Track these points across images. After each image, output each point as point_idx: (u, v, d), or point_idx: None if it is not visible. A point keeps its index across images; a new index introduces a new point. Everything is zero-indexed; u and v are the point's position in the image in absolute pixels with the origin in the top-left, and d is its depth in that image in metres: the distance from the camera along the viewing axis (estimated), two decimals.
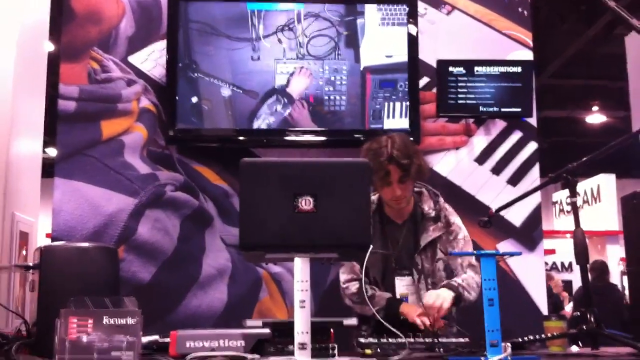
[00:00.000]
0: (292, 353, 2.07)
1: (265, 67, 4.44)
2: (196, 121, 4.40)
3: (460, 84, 4.55)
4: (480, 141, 4.67)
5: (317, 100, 4.45)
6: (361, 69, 4.48)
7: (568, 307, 10.60)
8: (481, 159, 4.65)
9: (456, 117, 4.64)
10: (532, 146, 4.69)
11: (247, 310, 4.33)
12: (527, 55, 4.76)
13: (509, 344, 2.22)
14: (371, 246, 2.26)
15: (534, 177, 4.64)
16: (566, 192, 2.99)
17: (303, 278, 2.11)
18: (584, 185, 13.24)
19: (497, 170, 4.64)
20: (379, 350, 2.39)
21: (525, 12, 4.81)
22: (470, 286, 3.08)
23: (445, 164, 4.60)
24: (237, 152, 4.27)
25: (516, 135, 4.69)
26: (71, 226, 4.29)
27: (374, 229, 3.21)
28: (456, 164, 4.60)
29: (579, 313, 2.58)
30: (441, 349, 2.44)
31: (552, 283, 10.61)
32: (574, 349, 2.64)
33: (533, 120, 4.68)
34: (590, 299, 2.64)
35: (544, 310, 4.49)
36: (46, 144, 5.19)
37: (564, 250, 12.12)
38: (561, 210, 14.36)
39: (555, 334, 2.63)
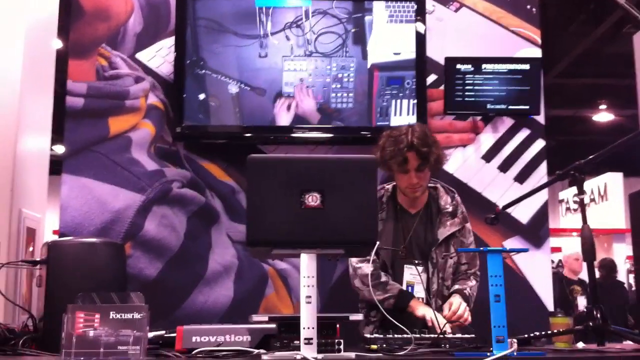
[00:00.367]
0: (298, 348, 2.07)
1: (273, 64, 4.44)
2: (203, 118, 4.41)
3: (467, 82, 4.54)
4: (487, 139, 4.67)
5: (325, 98, 4.45)
6: (369, 66, 4.48)
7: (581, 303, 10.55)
8: (488, 156, 4.64)
9: (463, 114, 4.63)
10: (539, 144, 4.68)
11: (253, 307, 4.34)
12: (536, 52, 4.74)
13: (514, 340, 2.22)
14: (378, 242, 2.26)
15: (541, 174, 4.64)
16: (573, 190, 3.00)
17: (309, 274, 2.12)
18: (591, 184, 13.19)
19: (504, 167, 4.64)
20: (384, 345, 2.39)
21: (534, 10, 4.80)
22: (473, 296, 3.20)
23: (452, 161, 4.59)
24: (244, 149, 4.23)
25: (524, 133, 4.68)
26: (78, 222, 4.30)
27: (387, 217, 3.23)
28: (463, 161, 4.59)
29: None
30: (447, 345, 2.44)
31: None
32: (580, 345, 2.64)
33: (541, 118, 4.67)
34: (597, 295, 2.64)
35: (550, 307, 4.48)
36: (53, 141, 5.19)
37: (571, 249, 12.08)
38: (567, 209, 14.31)
39: (561, 330, 2.63)
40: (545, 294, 4.53)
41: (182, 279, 4.33)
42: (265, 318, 2.29)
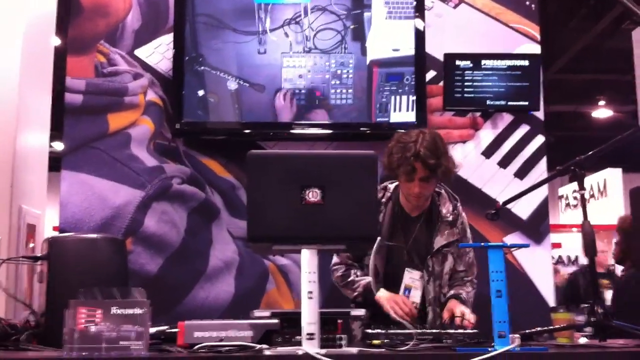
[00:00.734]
0: (300, 343, 2.08)
1: (272, 60, 4.44)
2: (202, 114, 4.41)
3: (467, 78, 4.54)
4: (487, 135, 4.67)
5: (324, 94, 4.45)
6: (368, 62, 4.48)
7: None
8: (488, 152, 4.64)
9: (463, 110, 4.63)
10: (539, 140, 4.68)
11: (254, 303, 4.34)
12: (535, 48, 4.74)
13: (516, 335, 2.22)
14: (379, 238, 2.27)
15: (541, 170, 4.64)
16: (572, 186, 3.01)
17: (311, 269, 2.12)
18: (591, 180, 13.17)
19: (504, 163, 4.64)
20: (386, 340, 2.39)
21: (533, 6, 4.80)
22: (470, 302, 3.18)
23: None
24: (243, 145, 4.26)
25: (523, 129, 4.69)
26: (78, 219, 4.30)
27: (384, 219, 3.20)
28: (463, 157, 4.58)
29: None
30: (449, 340, 2.44)
31: (559, 278, 10.58)
32: (582, 340, 2.64)
33: (540, 114, 4.68)
34: (597, 290, 2.64)
35: (551, 302, 4.50)
36: (53, 137, 5.19)
37: (571, 244, 12.09)
38: (567, 205, 14.31)
39: (562, 325, 2.63)
40: (546, 289, 4.53)
41: (183, 275, 4.34)
42: (268, 313, 2.29)
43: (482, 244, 2.37)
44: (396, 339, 2.39)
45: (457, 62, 4.55)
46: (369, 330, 2.48)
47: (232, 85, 4.42)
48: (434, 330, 2.51)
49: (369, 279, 3.14)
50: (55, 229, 5.07)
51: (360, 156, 2.25)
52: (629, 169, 13.24)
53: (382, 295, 3.05)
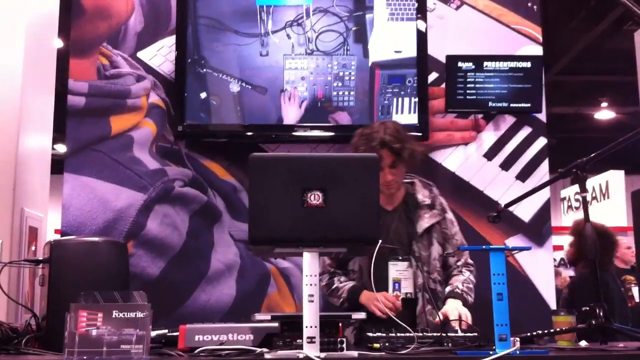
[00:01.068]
0: (300, 347, 2.07)
1: (274, 62, 4.44)
2: (205, 117, 4.41)
3: (469, 80, 4.54)
4: (489, 137, 4.67)
5: (326, 96, 4.45)
6: (370, 64, 4.48)
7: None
8: (490, 154, 4.64)
9: (465, 112, 4.63)
10: (541, 142, 4.68)
11: (256, 306, 4.34)
12: (537, 50, 4.74)
13: (517, 338, 2.21)
14: (380, 241, 2.26)
15: (543, 172, 4.63)
16: (575, 188, 3.00)
17: (312, 272, 2.12)
18: (593, 182, 13.17)
19: (506, 165, 4.63)
20: (387, 344, 2.39)
21: (535, 7, 4.80)
22: (470, 290, 3.17)
23: (454, 159, 4.59)
24: (245, 148, 4.26)
25: (525, 131, 4.68)
26: (80, 222, 4.31)
27: None
28: (465, 159, 4.59)
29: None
30: (450, 343, 2.44)
31: (560, 280, 10.58)
32: (583, 343, 2.64)
33: (542, 116, 4.67)
34: (599, 293, 2.64)
35: (553, 305, 4.48)
36: (55, 140, 5.20)
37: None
38: (569, 207, 14.30)
39: (563, 328, 2.63)
40: (548, 292, 4.52)
41: (184, 278, 4.34)
42: (268, 317, 2.29)
43: (484, 246, 2.36)
44: (397, 342, 2.39)
45: (459, 64, 4.54)
46: (370, 334, 2.48)
47: (234, 87, 4.42)
48: (435, 334, 2.51)
49: (352, 283, 3.15)
50: (57, 231, 5.07)
51: (362, 158, 2.26)
52: (632, 171, 13.24)
53: (364, 297, 3.07)
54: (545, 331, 2.62)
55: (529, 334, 2.56)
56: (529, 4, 4.80)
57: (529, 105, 4.57)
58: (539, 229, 4.56)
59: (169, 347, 2.27)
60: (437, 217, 3.24)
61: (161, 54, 4.58)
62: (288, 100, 4.41)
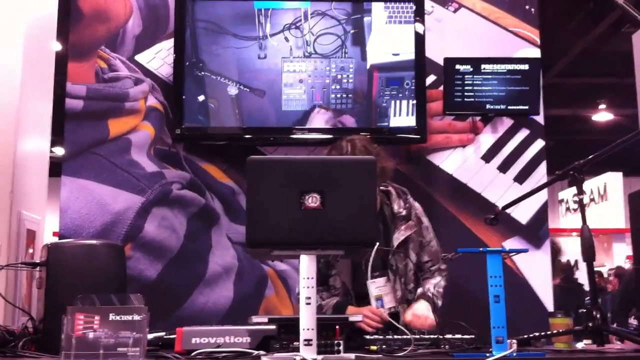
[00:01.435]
0: (297, 349, 2.07)
1: (272, 65, 4.45)
2: (203, 119, 4.41)
3: (467, 82, 4.54)
4: (487, 139, 4.67)
5: (324, 99, 4.45)
6: (368, 67, 4.48)
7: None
8: (488, 156, 4.64)
9: (463, 115, 4.63)
10: (539, 144, 4.68)
11: (253, 308, 4.34)
12: (534, 52, 4.74)
13: (514, 341, 2.22)
14: (377, 244, 2.26)
15: (540, 174, 4.64)
16: (572, 190, 3.00)
17: (309, 275, 2.12)
18: (591, 184, 13.21)
19: (503, 168, 4.64)
20: (384, 346, 2.39)
21: (532, 10, 4.80)
22: (440, 293, 3.16)
23: (451, 161, 4.59)
24: (243, 150, 4.26)
25: (523, 133, 4.69)
26: (78, 224, 4.31)
27: None
28: (463, 161, 4.59)
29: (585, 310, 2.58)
30: (446, 346, 2.44)
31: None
32: (580, 345, 2.64)
33: (540, 118, 4.68)
34: (596, 295, 2.64)
35: (550, 307, 4.49)
36: (53, 143, 5.20)
37: (570, 249, 12.08)
38: (567, 209, 14.33)
39: (560, 330, 2.63)
40: (545, 294, 4.52)
41: (182, 281, 4.34)
42: (265, 319, 2.29)
43: (481, 249, 2.37)
44: (394, 345, 2.40)
45: (457, 67, 4.55)
46: (367, 336, 2.49)
47: (233, 90, 4.42)
48: (432, 336, 2.51)
49: (335, 299, 3.13)
50: (55, 234, 5.07)
51: (360, 161, 2.26)
52: (630, 173, 13.26)
53: (351, 313, 3.05)
54: (542, 333, 2.62)
55: (525, 336, 2.56)
56: (527, 7, 4.80)
57: (526, 107, 4.57)
58: (536, 231, 4.56)
59: (166, 350, 2.27)
60: (412, 229, 3.21)
61: (159, 57, 4.58)
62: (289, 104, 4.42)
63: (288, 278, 4.40)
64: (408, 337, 2.41)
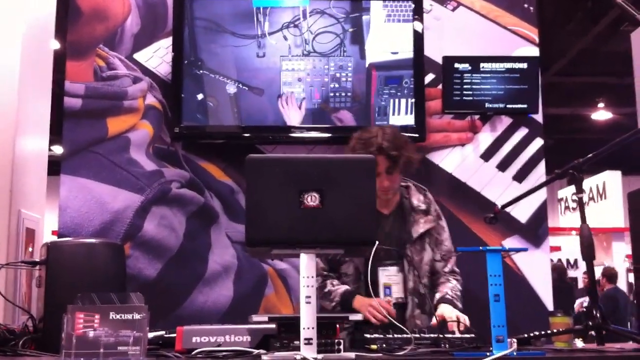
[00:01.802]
0: (297, 348, 2.07)
1: (271, 64, 4.45)
2: (202, 118, 4.41)
3: (465, 81, 4.54)
4: (485, 138, 4.67)
5: (323, 97, 4.45)
6: (366, 65, 4.48)
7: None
8: (487, 155, 4.65)
9: (462, 113, 4.63)
10: (538, 143, 4.68)
11: (253, 307, 4.34)
12: (533, 51, 4.75)
13: (514, 340, 2.22)
14: (377, 242, 2.26)
15: (539, 173, 4.64)
16: (571, 189, 3.00)
17: (309, 274, 2.12)
18: (590, 182, 13.22)
19: (502, 166, 4.64)
20: (384, 345, 2.39)
21: (531, 9, 4.81)
22: (458, 296, 3.15)
23: (450, 160, 4.59)
24: (242, 149, 4.26)
25: (522, 132, 4.69)
26: (77, 223, 4.31)
27: None
28: (462, 160, 4.59)
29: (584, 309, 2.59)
30: (447, 345, 2.44)
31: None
32: (579, 344, 2.64)
33: (539, 117, 4.68)
34: (596, 294, 2.64)
35: (549, 306, 4.49)
36: (52, 141, 5.19)
37: (570, 247, 12.12)
38: (566, 208, 14.34)
39: (560, 329, 2.63)
40: (545, 293, 4.53)
41: (181, 279, 4.34)
42: (265, 318, 2.29)
43: (480, 248, 2.37)
44: (394, 344, 2.40)
45: (456, 65, 4.55)
46: (367, 335, 2.48)
47: (231, 88, 4.42)
48: (432, 335, 2.51)
49: (345, 287, 3.14)
50: (54, 233, 5.06)
51: (359, 160, 2.26)
52: (629, 172, 13.26)
53: (358, 302, 3.05)
54: (542, 332, 2.62)
55: (525, 335, 2.56)
56: (526, 5, 4.80)
57: (525, 106, 4.58)
58: (535, 230, 4.57)
59: (166, 349, 2.27)
60: (432, 223, 3.24)
61: (158, 56, 4.58)
62: (286, 104, 4.42)
63: (288, 277, 4.40)
64: (408, 336, 2.41)
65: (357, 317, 2.40)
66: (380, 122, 4.43)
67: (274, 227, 2.14)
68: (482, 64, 4.55)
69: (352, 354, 2.17)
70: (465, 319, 2.90)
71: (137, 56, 4.56)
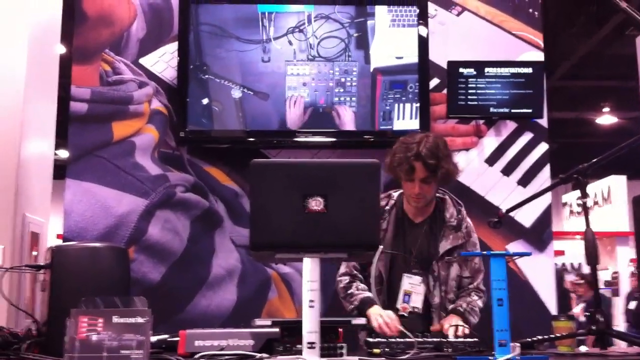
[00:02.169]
0: (300, 352, 2.08)
1: (276, 68, 4.45)
2: (207, 122, 4.42)
3: (470, 85, 4.55)
4: (490, 142, 4.67)
5: (328, 102, 4.45)
6: (371, 70, 4.49)
7: (577, 309, 10.63)
8: (491, 159, 4.65)
9: (466, 118, 4.63)
10: (542, 147, 4.68)
11: (256, 311, 4.34)
12: (538, 56, 4.75)
13: (517, 344, 2.22)
14: (381, 247, 2.26)
15: (544, 178, 4.64)
16: (576, 193, 2.99)
17: (312, 278, 2.12)
18: (595, 187, 13.19)
19: (507, 171, 4.64)
20: (387, 349, 2.39)
21: (536, 13, 4.81)
22: (474, 310, 3.11)
23: None
24: (247, 153, 4.28)
25: (527, 137, 4.69)
26: (82, 227, 4.32)
27: (388, 226, 3.19)
28: (466, 164, 4.59)
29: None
30: (449, 349, 2.44)
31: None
32: (583, 348, 2.64)
33: (544, 122, 4.68)
34: (599, 299, 2.64)
35: (553, 310, 4.49)
36: (57, 145, 5.20)
37: (574, 252, 12.08)
38: (571, 212, 14.30)
39: (563, 333, 2.63)
40: (548, 297, 4.53)
41: (185, 283, 4.35)
42: (269, 322, 2.29)
43: (484, 252, 2.37)
44: (396, 348, 2.40)
45: (461, 70, 4.56)
46: (370, 339, 2.49)
47: (236, 93, 4.43)
48: (435, 339, 2.51)
49: (367, 294, 3.13)
50: (59, 237, 5.07)
51: (363, 164, 2.25)
52: (634, 176, 13.23)
53: (372, 311, 3.04)
54: (545, 337, 2.62)
55: (529, 340, 2.56)
56: (530, 10, 4.80)
57: (530, 110, 4.58)
58: (540, 235, 4.56)
59: (169, 353, 2.27)
60: (461, 240, 3.18)
61: (163, 61, 4.59)
62: (293, 106, 4.42)
63: (291, 281, 4.40)
64: (411, 340, 2.41)
65: (360, 321, 2.41)
66: (385, 127, 4.44)
67: (278, 231, 2.14)
68: (486, 69, 4.56)
69: (355, 358, 2.18)
70: (464, 330, 2.89)
71: (143, 61, 4.57)
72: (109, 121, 4.47)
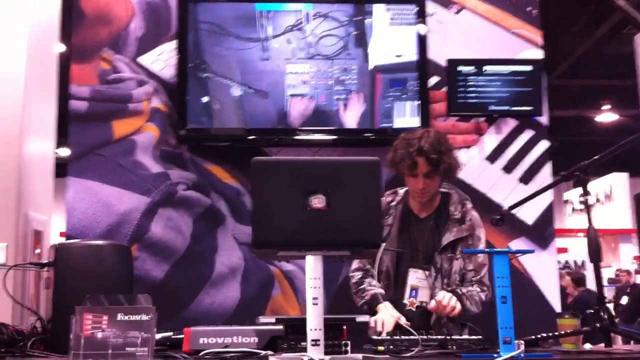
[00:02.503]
0: (305, 350, 2.08)
1: (275, 67, 4.45)
2: (207, 121, 4.42)
3: (470, 83, 4.55)
4: (491, 140, 4.67)
5: (327, 100, 4.46)
6: (370, 68, 4.49)
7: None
8: (492, 157, 4.65)
9: (467, 116, 4.63)
10: (543, 145, 4.68)
11: (260, 308, 4.35)
12: (537, 54, 4.75)
13: (521, 341, 2.22)
14: (383, 244, 2.26)
15: (545, 175, 4.64)
16: (578, 191, 3.00)
17: (315, 275, 2.12)
18: (597, 184, 13.22)
19: (508, 168, 4.64)
20: (391, 347, 2.40)
21: (534, 11, 4.80)
22: (472, 298, 3.08)
23: None
24: (247, 151, 4.29)
25: (527, 134, 4.69)
26: (84, 225, 4.31)
27: (394, 221, 3.21)
28: (467, 162, 4.58)
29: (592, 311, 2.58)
30: (454, 346, 2.44)
31: (564, 282, 10.63)
32: (587, 346, 2.64)
33: (544, 119, 4.68)
34: (603, 296, 2.64)
35: (557, 308, 4.49)
36: (58, 144, 5.21)
37: (577, 249, 12.10)
38: (573, 209, 14.33)
39: (568, 331, 2.63)
40: (552, 294, 4.53)
41: (188, 281, 4.34)
42: (273, 319, 2.29)
43: (487, 249, 2.37)
44: (401, 345, 2.40)
45: (460, 68, 4.56)
46: (374, 337, 2.49)
47: (236, 91, 4.43)
48: (439, 337, 2.51)
49: (378, 290, 3.13)
50: (62, 234, 5.07)
51: (364, 162, 2.25)
52: (636, 173, 13.25)
53: (379, 308, 3.05)
54: (550, 334, 2.62)
55: (533, 337, 2.56)
56: (529, 8, 4.81)
57: (530, 108, 4.58)
58: (542, 232, 4.57)
59: (173, 350, 2.28)
60: (464, 233, 3.18)
61: (162, 59, 4.59)
62: (293, 104, 4.43)
63: (294, 278, 4.40)
64: (416, 337, 2.41)
65: (365, 318, 2.41)
66: (385, 125, 4.44)
67: (280, 229, 2.14)
68: (486, 67, 4.56)
69: (359, 356, 2.18)
70: (451, 309, 2.90)
71: (142, 59, 4.57)
72: (109, 119, 4.46)
